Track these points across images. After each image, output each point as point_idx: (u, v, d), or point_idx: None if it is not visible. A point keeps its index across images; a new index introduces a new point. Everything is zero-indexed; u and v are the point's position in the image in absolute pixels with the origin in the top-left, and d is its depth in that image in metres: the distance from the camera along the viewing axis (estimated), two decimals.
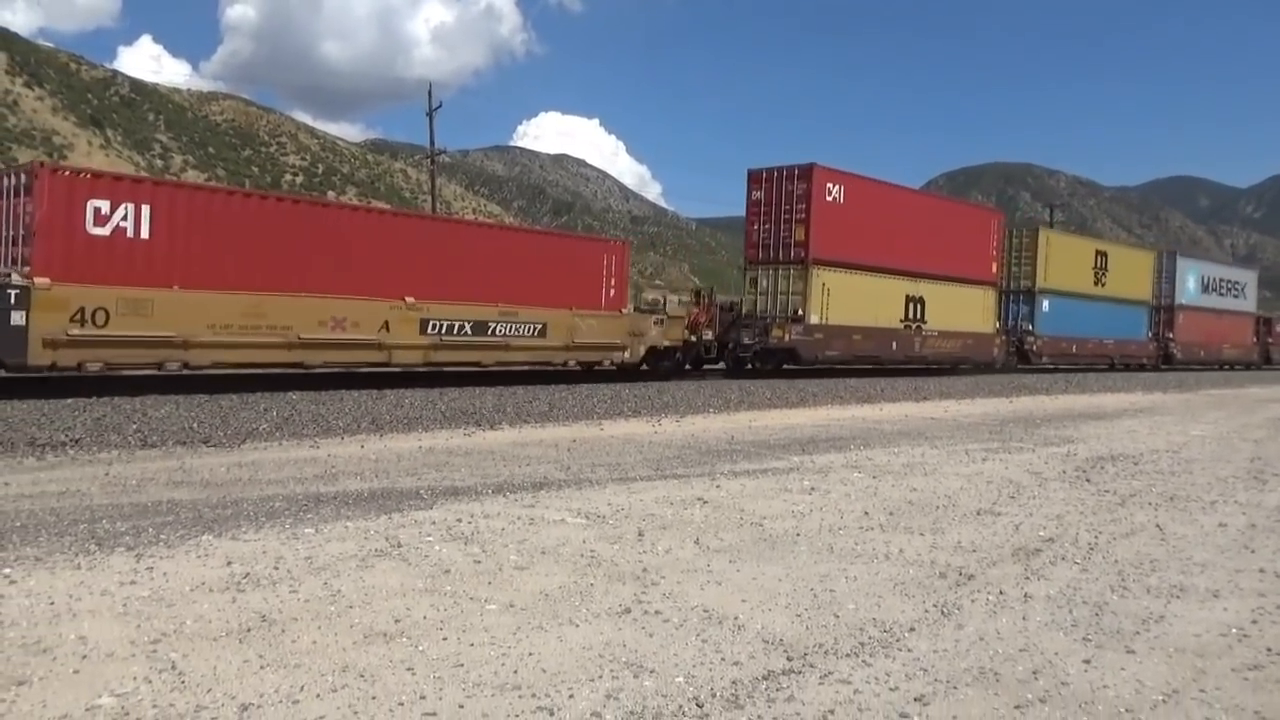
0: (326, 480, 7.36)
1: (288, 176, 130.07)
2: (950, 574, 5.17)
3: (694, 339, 21.96)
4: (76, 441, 8.72)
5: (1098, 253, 36.34)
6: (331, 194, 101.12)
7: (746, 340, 23.48)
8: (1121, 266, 36.86)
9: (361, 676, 3.37)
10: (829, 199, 24.04)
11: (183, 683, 3.25)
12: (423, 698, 3.21)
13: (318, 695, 3.19)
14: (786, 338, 23.18)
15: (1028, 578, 5.16)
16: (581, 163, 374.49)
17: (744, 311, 24.57)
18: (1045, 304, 32.38)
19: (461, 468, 8.21)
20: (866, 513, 6.79)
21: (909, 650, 3.91)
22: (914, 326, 26.83)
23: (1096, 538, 6.26)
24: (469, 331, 16.81)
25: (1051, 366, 34.24)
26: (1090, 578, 5.21)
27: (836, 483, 8.06)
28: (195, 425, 9.95)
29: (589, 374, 19.73)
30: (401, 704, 3.15)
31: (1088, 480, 8.78)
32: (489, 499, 6.79)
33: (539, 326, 18.03)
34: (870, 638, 4.05)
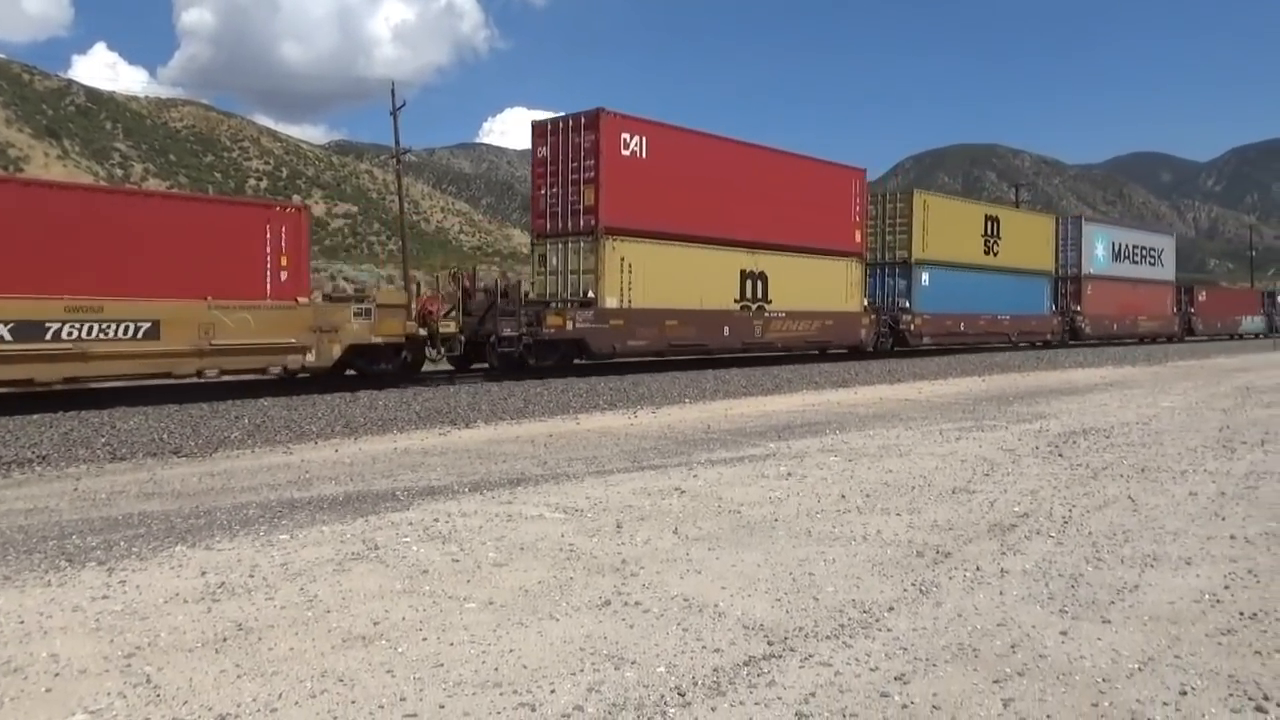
0: (301, 486, 7.29)
1: (251, 181, 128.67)
2: (927, 553, 5.20)
3: (423, 332, 17.01)
4: (44, 458, 8.58)
5: (988, 218, 32.31)
6: (296, 197, 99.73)
7: (508, 331, 18.07)
8: (1017, 234, 33.42)
9: (341, 681, 3.34)
10: (626, 153, 19.35)
11: (158, 696, 3.20)
12: (403, 699, 3.18)
13: (296, 702, 3.15)
14: (569, 326, 18.42)
15: (1004, 553, 5.20)
16: None
17: (533, 296, 19.95)
18: (924, 277, 28.58)
19: (437, 467, 8.16)
20: (843, 495, 6.82)
21: (889, 630, 3.93)
22: (754, 308, 22.42)
23: (1070, 511, 6.33)
24: (5, 337, 11.64)
25: (936, 348, 30.57)
26: (1065, 550, 5.26)
27: (813, 467, 8.09)
28: (165, 436, 9.82)
29: (564, 368, 19.40)
30: (382, 707, 3.12)
31: (1060, 455, 8.87)
32: (466, 497, 6.76)
33: (145, 326, 12.82)
34: (850, 619, 4.07)
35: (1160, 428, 11.13)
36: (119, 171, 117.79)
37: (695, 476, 7.63)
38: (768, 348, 23.41)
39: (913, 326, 28.14)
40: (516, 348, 18.19)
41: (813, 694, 3.25)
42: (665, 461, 8.47)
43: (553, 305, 19.04)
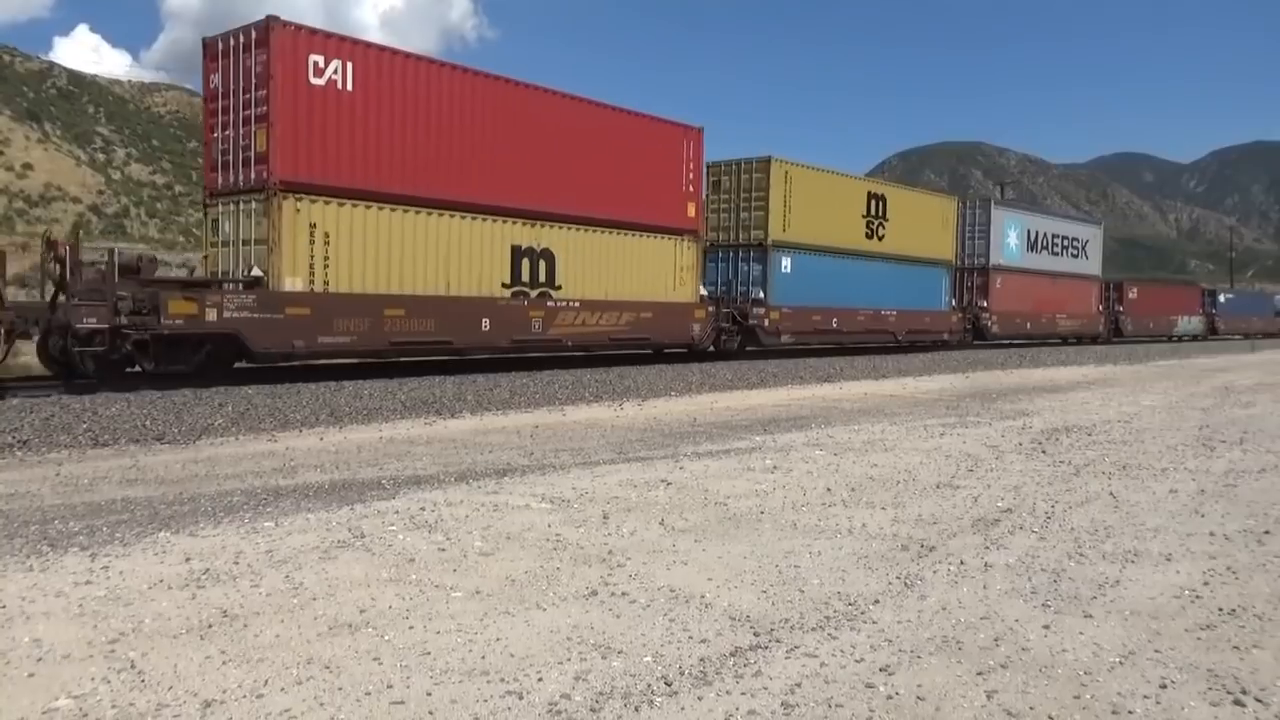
0: (285, 473, 7.26)
1: None
2: (912, 546, 5.24)
3: None
4: (24, 443, 8.50)
5: (872, 197, 26.74)
6: None
7: (86, 322, 12.24)
8: (910, 216, 28.13)
9: (327, 668, 3.33)
10: (318, 82, 14.17)
11: (143, 681, 3.19)
12: (390, 686, 3.18)
13: (282, 689, 3.15)
14: (213, 316, 13.05)
15: (987, 548, 5.25)
16: None
17: (201, 275, 15.40)
18: (785, 263, 23.70)
19: (423, 457, 8.14)
20: (829, 489, 6.85)
21: (873, 622, 3.95)
22: (533, 295, 17.49)
23: (1053, 507, 6.38)
24: None
25: (799, 347, 25.75)
26: (1048, 546, 5.31)
27: (799, 461, 8.12)
28: (148, 422, 9.75)
29: (552, 359, 19.33)
30: (368, 694, 3.12)
31: (1043, 452, 8.94)
32: (452, 487, 6.75)
33: None
34: (835, 611, 4.09)
35: (1141, 426, 11.24)
36: (100, 156, 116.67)
37: (681, 469, 7.65)
38: (553, 346, 18.26)
39: (766, 322, 23.09)
40: (112, 346, 12.51)
41: (799, 684, 3.27)
42: (651, 453, 8.48)
43: (188, 289, 13.59)
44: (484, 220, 16.64)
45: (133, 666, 3.31)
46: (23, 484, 6.71)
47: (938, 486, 7.06)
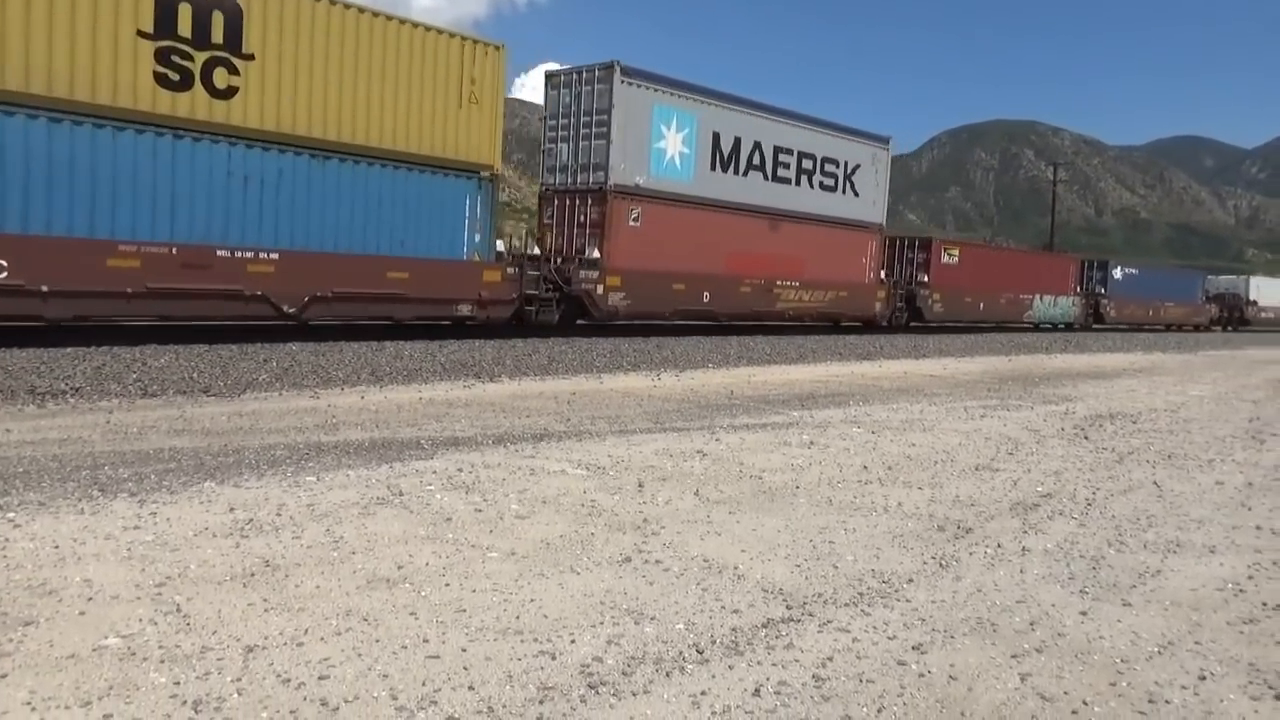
0: (327, 430, 7.37)
1: None
2: (949, 527, 5.20)
3: None
4: (77, 390, 8.72)
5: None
6: None
7: None
8: (313, 54, 13.77)
9: (365, 620, 3.40)
10: None
11: (188, 625, 3.27)
12: (426, 641, 3.24)
13: (322, 638, 3.21)
14: None
15: (1025, 532, 5.19)
16: None
17: None
18: None
19: (461, 419, 8.22)
20: (865, 467, 6.81)
21: (907, 600, 3.94)
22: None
23: (1094, 494, 6.29)
24: None
25: None
26: (1088, 532, 5.24)
27: (835, 437, 8.08)
28: (195, 375, 9.94)
29: (587, 327, 19.33)
30: (405, 647, 3.18)
31: (1086, 438, 8.81)
32: (489, 449, 6.81)
33: None
34: (869, 588, 4.08)
35: (1188, 416, 11.01)
36: None
37: (717, 440, 7.64)
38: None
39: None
40: None
41: (830, 658, 3.28)
42: (688, 424, 8.48)
43: None
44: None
45: (178, 610, 3.40)
46: (75, 430, 6.88)
47: (976, 468, 6.99)
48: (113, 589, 3.58)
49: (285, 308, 13.67)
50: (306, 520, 4.67)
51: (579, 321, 19.01)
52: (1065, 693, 3.10)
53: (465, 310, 15.95)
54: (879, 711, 2.90)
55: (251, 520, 4.61)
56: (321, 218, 14.09)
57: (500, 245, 16.98)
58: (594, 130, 18.52)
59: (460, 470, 6.02)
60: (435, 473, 5.92)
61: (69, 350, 11.04)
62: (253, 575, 3.82)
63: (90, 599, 3.47)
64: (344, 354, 12.55)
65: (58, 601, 3.43)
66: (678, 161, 19.85)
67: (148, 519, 4.55)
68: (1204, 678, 3.29)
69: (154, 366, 10.25)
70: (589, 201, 18.58)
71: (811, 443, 7.74)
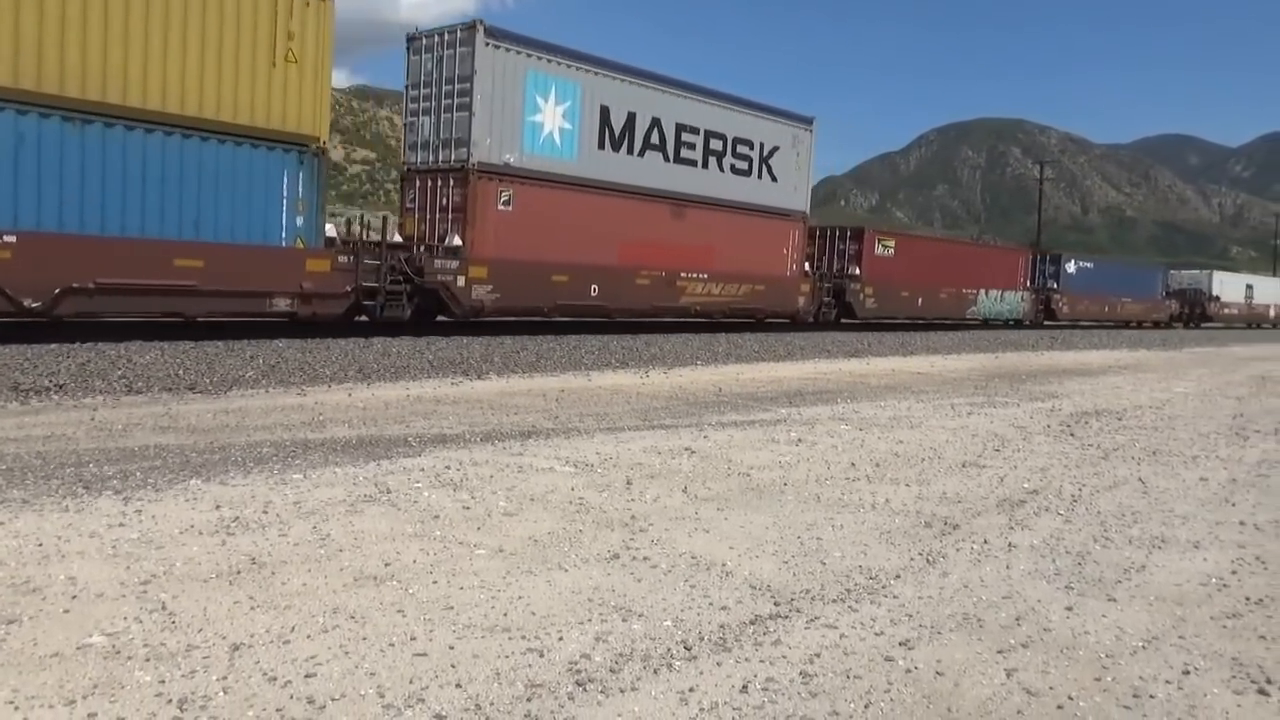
0: (314, 427, 7.34)
1: None
2: (935, 524, 5.22)
3: None
4: (61, 387, 8.65)
5: None
6: None
7: None
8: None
9: (352, 618, 3.38)
10: None
11: (173, 623, 3.25)
12: (413, 638, 3.23)
13: (308, 636, 3.20)
14: None
15: (1012, 528, 5.22)
16: None
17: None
18: None
19: (449, 416, 8.20)
20: (853, 464, 6.83)
21: (894, 597, 3.95)
22: None
23: (1080, 490, 6.33)
24: None
25: None
26: (1073, 528, 5.27)
27: (823, 434, 8.10)
28: (181, 372, 9.89)
29: (574, 324, 19.40)
30: (392, 645, 3.17)
31: (1071, 435, 8.86)
32: (477, 447, 6.80)
33: None
34: (856, 584, 4.09)
35: (1173, 412, 11.09)
36: None
37: (705, 438, 7.65)
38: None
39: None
40: None
41: (818, 655, 3.29)
42: (676, 421, 8.49)
43: None
44: None
45: (164, 608, 3.38)
46: (59, 427, 6.83)
47: (963, 465, 7.02)
48: (97, 587, 3.56)
49: (27, 302, 11.24)
50: (293, 518, 4.65)
51: (439, 318, 17.04)
52: (1051, 688, 3.12)
53: (283, 305, 13.62)
54: (866, 707, 2.91)
55: (238, 518, 4.59)
56: (80, 193, 11.52)
57: (331, 230, 14.62)
58: (455, 101, 16.30)
59: (448, 468, 6.00)
60: (423, 470, 5.90)
61: (53, 347, 10.96)
62: (239, 573, 3.80)
63: (75, 597, 3.45)
64: (331, 351, 12.50)
65: (41, 599, 3.40)
66: (557, 138, 17.59)
67: (133, 516, 4.52)
68: (1188, 672, 3.31)
69: (139, 363, 10.18)
70: (450, 182, 16.51)
71: (799, 440, 7.76)
